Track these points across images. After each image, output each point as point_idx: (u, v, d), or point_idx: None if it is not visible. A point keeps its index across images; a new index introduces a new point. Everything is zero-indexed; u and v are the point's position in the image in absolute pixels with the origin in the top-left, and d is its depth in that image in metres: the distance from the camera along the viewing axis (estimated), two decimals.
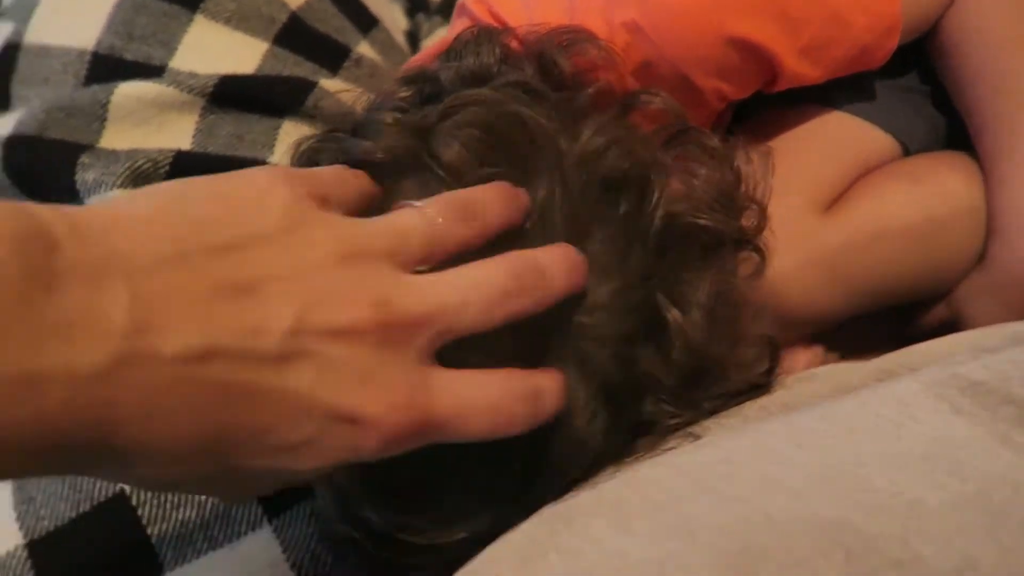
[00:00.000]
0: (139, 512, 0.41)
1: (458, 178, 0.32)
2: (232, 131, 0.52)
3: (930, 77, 0.47)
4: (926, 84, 0.47)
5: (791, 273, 0.42)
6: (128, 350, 0.22)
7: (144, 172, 0.48)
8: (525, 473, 0.32)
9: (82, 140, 0.50)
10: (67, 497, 0.42)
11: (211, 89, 0.52)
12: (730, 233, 0.37)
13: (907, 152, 0.46)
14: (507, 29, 0.41)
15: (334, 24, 0.61)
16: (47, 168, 0.48)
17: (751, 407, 0.37)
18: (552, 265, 0.29)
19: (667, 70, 0.41)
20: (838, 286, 0.43)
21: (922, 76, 0.47)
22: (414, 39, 0.82)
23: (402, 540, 0.35)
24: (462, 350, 0.27)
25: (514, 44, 0.40)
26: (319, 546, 0.41)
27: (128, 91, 0.50)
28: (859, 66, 0.43)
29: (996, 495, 0.21)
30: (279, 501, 0.42)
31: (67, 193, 0.48)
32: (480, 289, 0.27)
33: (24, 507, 0.42)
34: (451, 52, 0.40)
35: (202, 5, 0.55)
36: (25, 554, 0.41)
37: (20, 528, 0.41)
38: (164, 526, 0.41)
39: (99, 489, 0.42)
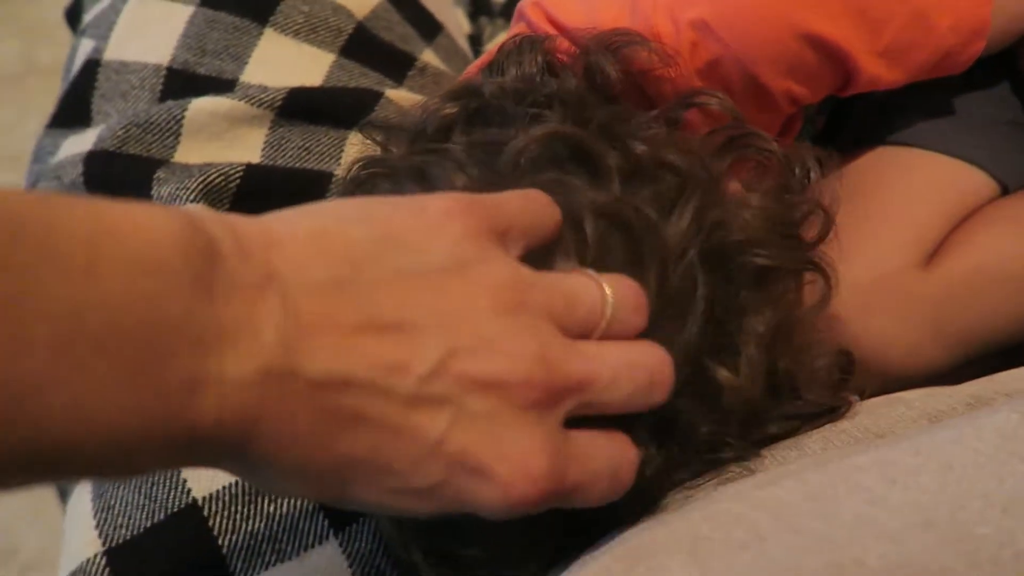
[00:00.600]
0: (210, 523, 0.42)
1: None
2: (300, 144, 0.53)
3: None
4: (1016, 112, 0.44)
5: (895, 333, 0.41)
6: (274, 366, 0.22)
7: (216, 186, 0.49)
8: (581, 518, 0.32)
9: (157, 155, 0.51)
10: (143, 506, 0.43)
11: (280, 103, 0.52)
12: (789, 263, 0.35)
13: (1006, 190, 0.43)
14: (551, 36, 0.40)
15: (399, 32, 0.61)
16: (125, 183, 0.50)
17: (831, 431, 0.35)
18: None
19: (735, 70, 0.39)
20: (943, 341, 0.41)
21: (1010, 104, 0.44)
22: (477, 42, 0.81)
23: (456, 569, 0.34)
24: None
25: (562, 50, 0.39)
26: (383, 561, 0.41)
27: (201, 106, 0.51)
28: (941, 71, 0.41)
29: None
30: (344, 516, 0.42)
31: None
32: (632, 371, 0.27)
33: (103, 515, 0.43)
34: (494, 64, 0.40)
35: (271, 19, 0.56)
36: (104, 561, 0.42)
37: (100, 536, 0.43)
38: (234, 537, 0.42)
39: (172, 499, 0.43)
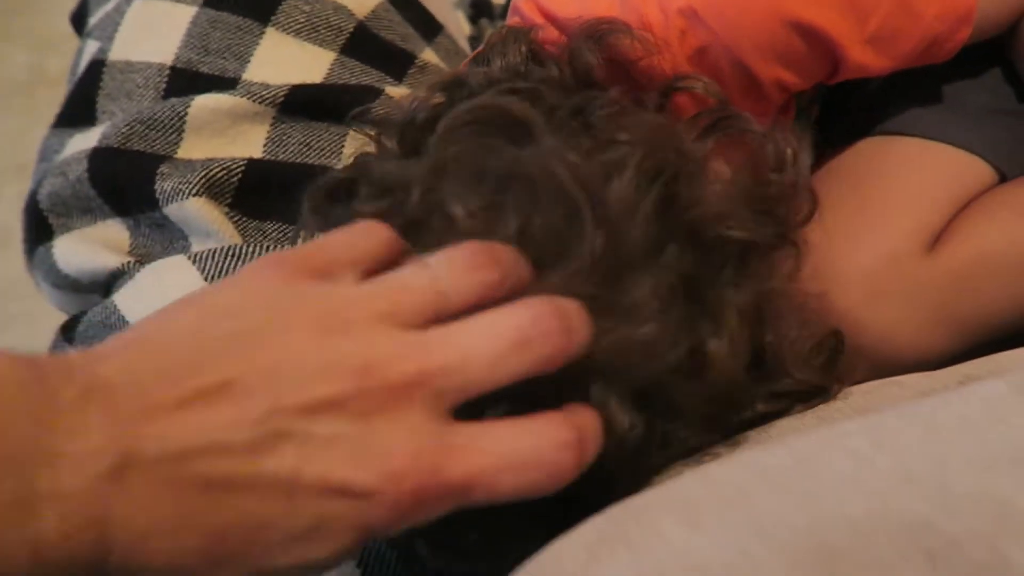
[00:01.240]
0: None
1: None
2: (301, 140, 0.54)
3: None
4: (1013, 102, 0.44)
5: (900, 320, 0.40)
6: (110, 466, 0.22)
7: (218, 179, 0.50)
8: (572, 494, 0.32)
9: (161, 151, 0.52)
10: None
11: (281, 99, 0.53)
12: (767, 239, 0.36)
13: (1004, 178, 0.43)
14: (537, 27, 0.41)
15: (399, 32, 0.62)
16: (129, 179, 0.51)
17: (826, 409, 0.36)
18: (578, 312, 0.27)
19: (724, 57, 0.40)
20: (947, 327, 0.41)
21: (1009, 93, 0.44)
22: (478, 44, 0.82)
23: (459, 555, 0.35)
24: (478, 402, 0.26)
25: (549, 41, 0.40)
26: (386, 549, 0.42)
27: (204, 103, 0.52)
28: (928, 58, 0.41)
29: None
30: None
31: (148, 202, 0.50)
32: (488, 341, 0.25)
33: None
34: (481, 56, 0.40)
35: (273, 18, 0.57)
36: None
37: None
38: None
39: None
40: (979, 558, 0.18)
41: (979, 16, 0.40)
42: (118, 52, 0.56)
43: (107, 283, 0.52)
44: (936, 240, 0.42)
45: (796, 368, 0.35)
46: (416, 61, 0.61)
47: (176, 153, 0.52)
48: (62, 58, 1.43)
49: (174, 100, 0.53)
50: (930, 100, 0.44)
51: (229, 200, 0.51)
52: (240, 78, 0.55)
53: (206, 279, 0.47)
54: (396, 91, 0.57)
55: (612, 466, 0.32)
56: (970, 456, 0.22)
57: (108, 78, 0.56)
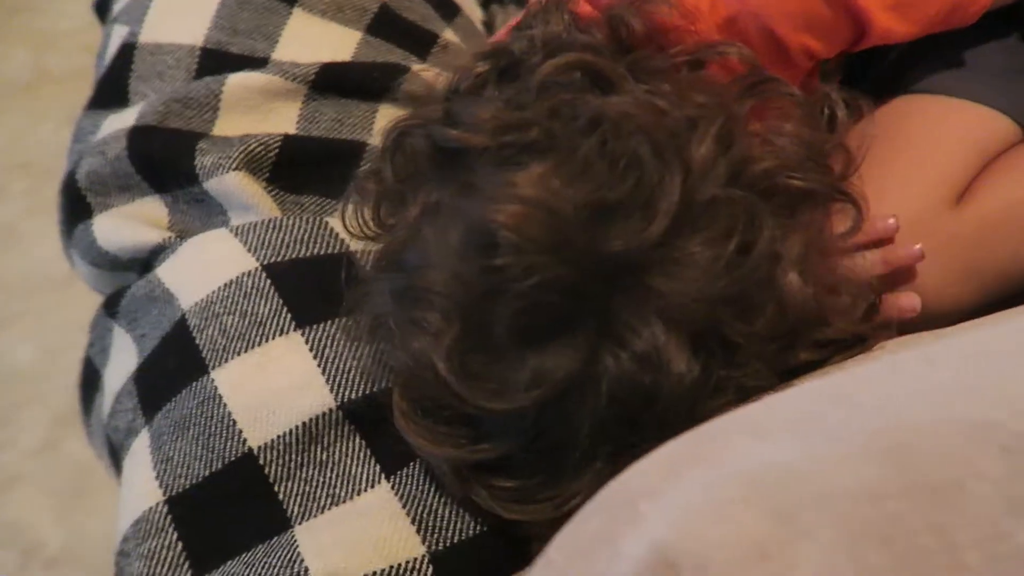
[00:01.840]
0: (266, 471, 0.44)
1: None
2: (333, 115, 0.55)
3: None
4: None
5: (927, 269, 0.41)
6: None
7: (256, 155, 0.51)
8: (635, 431, 0.34)
9: (197, 128, 0.53)
10: (201, 456, 0.45)
11: (313, 77, 0.55)
12: (820, 188, 0.37)
13: None
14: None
15: (420, 12, 0.64)
16: (168, 155, 0.52)
17: (865, 358, 0.37)
18: None
19: (752, 25, 0.41)
20: (973, 278, 0.42)
21: None
22: (489, 29, 0.84)
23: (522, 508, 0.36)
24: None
25: (583, 13, 0.42)
26: (436, 500, 0.43)
27: (238, 81, 0.53)
28: (952, 22, 0.43)
29: None
30: (395, 460, 0.44)
31: (187, 178, 0.51)
32: None
33: (163, 466, 0.45)
34: (523, 24, 0.42)
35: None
36: (165, 509, 0.44)
37: (160, 486, 0.45)
38: (290, 484, 0.44)
39: (229, 449, 0.44)
40: None
41: None
42: (148, 35, 0.58)
43: (146, 259, 0.53)
44: (963, 194, 0.43)
45: (836, 318, 0.37)
46: (439, 40, 0.63)
47: (212, 130, 0.53)
48: (63, 56, 1.43)
49: (208, 79, 0.54)
50: (951, 61, 0.45)
51: (267, 175, 0.52)
52: (269, 58, 0.57)
53: (248, 250, 0.48)
54: (421, 68, 0.58)
55: (669, 406, 0.33)
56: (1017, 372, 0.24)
57: (139, 60, 0.57)
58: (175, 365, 0.47)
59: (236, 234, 0.49)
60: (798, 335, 0.36)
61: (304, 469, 0.44)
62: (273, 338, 0.46)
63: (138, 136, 0.52)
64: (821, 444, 0.22)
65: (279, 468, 0.44)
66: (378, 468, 0.44)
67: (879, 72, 0.49)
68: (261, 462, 0.44)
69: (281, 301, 0.46)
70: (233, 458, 0.44)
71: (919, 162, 0.43)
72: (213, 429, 0.45)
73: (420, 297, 0.37)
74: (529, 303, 0.34)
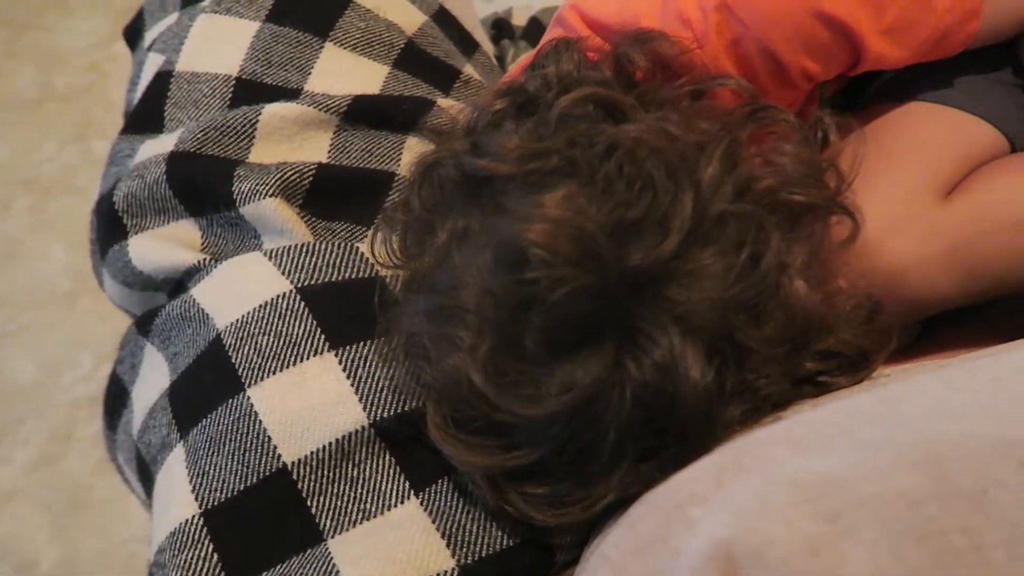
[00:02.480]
0: (299, 486, 0.46)
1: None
2: (363, 146, 0.57)
3: None
4: (1019, 76, 0.48)
5: (913, 258, 0.44)
6: None
7: (292, 182, 0.54)
8: (657, 434, 0.36)
9: (234, 155, 0.55)
10: (236, 471, 0.46)
11: (345, 108, 0.57)
12: (819, 202, 0.40)
13: (1013, 148, 0.48)
14: (583, 38, 0.46)
15: (443, 48, 0.67)
16: (207, 180, 0.54)
17: (874, 383, 0.40)
18: None
19: (755, 48, 0.44)
20: (956, 272, 0.44)
21: (1015, 69, 0.48)
22: (501, 63, 0.87)
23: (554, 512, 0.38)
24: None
25: (593, 49, 0.45)
26: (464, 516, 0.45)
27: (274, 111, 0.56)
28: (940, 50, 0.46)
29: None
30: (424, 476, 0.46)
31: (224, 202, 0.53)
32: None
33: (198, 480, 0.47)
34: (535, 64, 0.45)
35: (331, 34, 0.61)
36: (201, 522, 0.45)
37: (196, 499, 0.46)
38: (322, 499, 0.46)
39: (264, 464, 0.46)
40: None
41: (988, 24, 0.45)
42: (185, 64, 0.60)
43: (180, 279, 0.55)
44: (950, 191, 0.45)
45: (839, 325, 0.40)
46: (461, 76, 0.66)
47: (248, 157, 0.55)
48: (70, 74, 1.45)
49: (245, 108, 0.56)
50: (940, 72, 0.48)
51: (300, 201, 0.54)
52: (302, 89, 0.59)
53: (282, 273, 0.51)
54: (445, 103, 0.61)
55: (687, 410, 0.36)
56: None
57: (176, 88, 0.59)
58: (211, 383, 0.49)
59: (271, 257, 0.51)
60: (805, 340, 0.38)
61: (336, 484, 0.46)
62: (308, 358, 0.47)
63: (177, 161, 0.55)
64: (857, 455, 0.24)
65: (312, 483, 0.46)
66: (407, 484, 0.46)
67: (874, 89, 0.52)
68: (295, 477, 0.46)
69: (315, 322, 0.48)
70: (268, 473, 0.46)
71: (910, 161, 0.45)
72: (248, 445, 0.46)
73: (453, 315, 0.39)
74: (559, 313, 0.36)
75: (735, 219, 0.37)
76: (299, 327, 0.48)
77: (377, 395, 0.47)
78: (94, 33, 1.45)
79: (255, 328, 0.48)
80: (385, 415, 0.46)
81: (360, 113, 0.57)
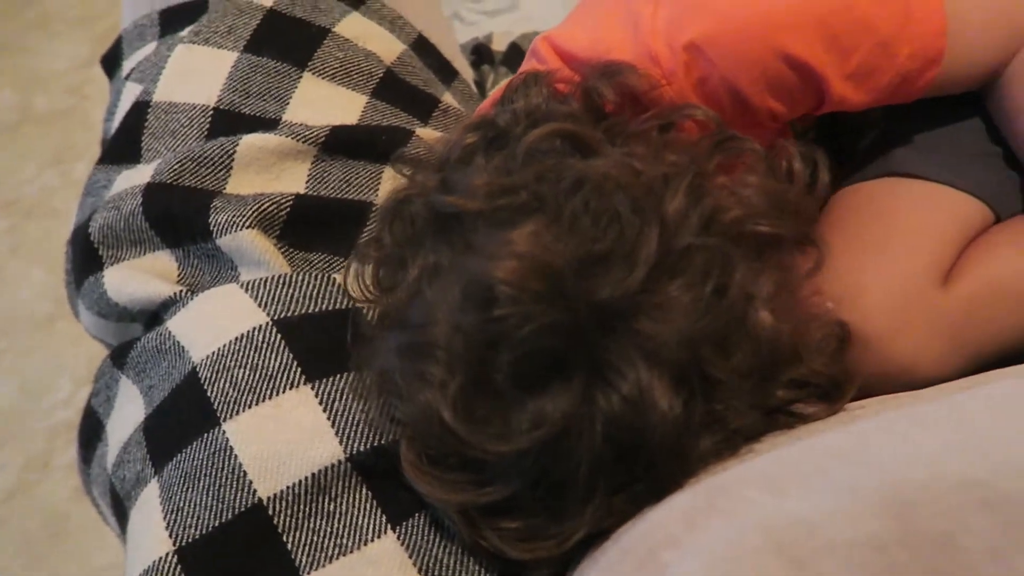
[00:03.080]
0: (275, 521, 0.45)
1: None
2: (341, 176, 0.57)
3: (1000, 137, 0.49)
4: (998, 146, 0.49)
5: (923, 348, 0.44)
6: None
7: (268, 213, 0.53)
8: (629, 468, 0.36)
9: (211, 186, 0.55)
10: (211, 507, 0.46)
11: (323, 139, 0.57)
12: (785, 233, 0.41)
13: (998, 218, 0.48)
14: (552, 71, 0.47)
15: (422, 77, 0.67)
16: (183, 212, 0.54)
17: (850, 415, 0.40)
18: None
19: (722, 87, 0.45)
20: (965, 351, 0.45)
21: (993, 137, 0.49)
22: (481, 89, 0.88)
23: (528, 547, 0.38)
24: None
25: (563, 80, 0.45)
26: (441, 551, 0.45)
27: (251, 142, 0.56)
28: (901, 95, 0.46)
29: None
30: (400, 511, 0.46)
31: (201, 234, 0.53)
32: None
33: (173, 516, 0.46)
34: (505, 98, 0.46)
35: (310, 63, 0.61)
36: (175, 559, 0.45)
37: (170, 536, 0.45)
38: (298, 534, 0.45)
39: (239, 500, 0.46)
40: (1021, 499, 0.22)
41: (948, 73, 0.46)
42: (163, 94, 0.60)
43: (155, 311, 0.54)
44: (948, 274, 0.46)
45: (808, 355, 0.40)
46: (439, 104, 0.66)
47: (225, 188, 0.55)
48: (49, 96, 1.45)
49: (223, 139, 0.56)
50: (930, 145, 0.49)
51: (277, 232, 0.54)
52: (280, 119, 0.59)
53: (259, 305, 0.50)
54: (425, 132, 0.61)
55: (657, 443, 0.36)
56: (1001, 432, 0.27)
57: (153, 118, 0.59)
58: (186, 417, 0.48)
59: (247, 289, 0.51)
60: (774, 371, 0.39)
61: (312, 519, 0.46)
62: (284, 391, 0.47)
63: (154, 192, 0.54)
64: (829, 498, 0.24)
65: (288, 518, 0.45)
66: (384, 519, 0.45)
67: (865, 147, 0.53)
68: (270, 512, 0.45)
69: (291, 355, 0.48)
70: (243, 508, 0.45)
71: (907, 246, 0.46)
72: (224, 480, 0.46)
73: (424, 352, 0.39)
74: (527, 350, 0.36)
75: (701, 251, 0.37)
76: (275, 360, 0.48)
77: (354, 428, 0.46)
78: (75, 56, 1.45)
79: (231, 361, 0.48)
80: (362, 448, 0.46)
81: (338, 143, 0.58)
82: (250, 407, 0.47)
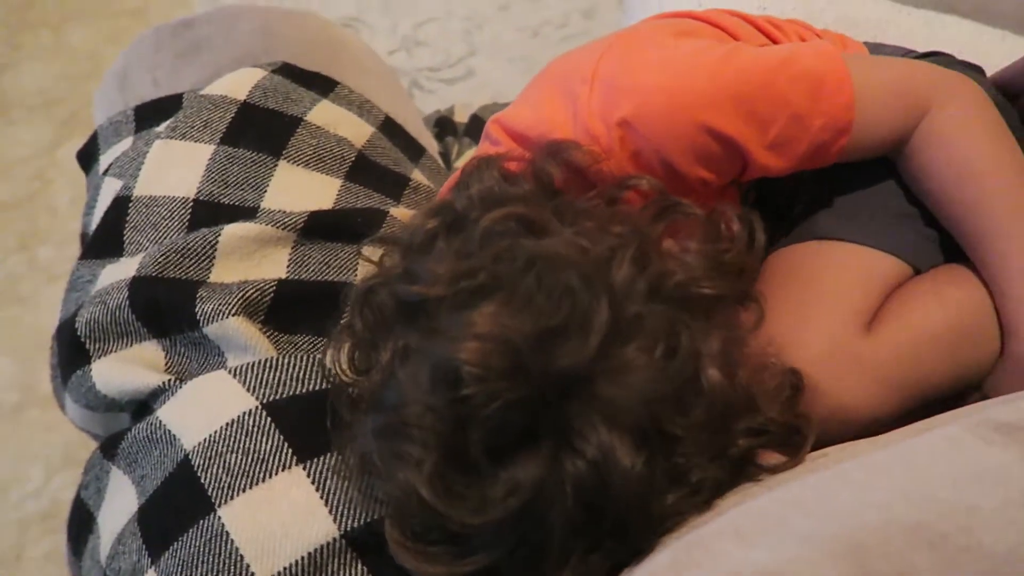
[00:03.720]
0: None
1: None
2: (320, 259, 0.60)
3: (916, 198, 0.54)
4: (915, 206, 0.53)
5: (856, 395, 0.47)
6: None
7: (253, 299, 0.55)
8: (601, 526, 0.38)
9: (195, 276, 0.57)
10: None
11: (302, 224, 0.60)
12: (727, 292, 0.44)
13: (917, 271, 0.52)
14: (503, 154, 0.50)
15: (392, 157, 0.70)
16: (169, 303, 0.55)
17: (814, 463, 0.43)
18: None
19: (655, 159, 0.49)
20: (894, 395, 0.48)
21: (910, 199, 0.54)
22: (446, 159, 0.91)
23: None
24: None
25: (515, 158, 0.49)
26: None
27: (233, 231, 0.58)
28: (818, 161, 0.51)
29: None
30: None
31: (188, 323, 0.55)
32: None
33: None
34: (460, 183, 0.49)
35: (284, 152, 0.64)
36: None
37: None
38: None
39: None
40: (963, 544, 0.25)
41: (858, 141, 0.50)
42: (143, 188, 0.62)
43: (144, 401, 0.56)
44: (871, 323, 0.49)
45: (765, 403, 0.43)
46: (410, 183, 0.69)
47: (209, 277, 0.57)
48: (13, 183, 1.45)
49: (204, 230, 0.58)
50: (851, 211, 0.53)
51: (262, 317, 0.56)
52: (259, 207, 0.62)
53: (247, 390, 0.52)
54: (398, 211, 0.64)
55: (624, 502, 0.38)
56: (944, 476, 0.30)
57: (134, 212, 0.61)
58: (180, 504, 0.49)
59: (235, 375, 0.53)
60: (729, 422, 0.41)
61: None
62: (276, 473, 0.49)
63: (139, 285, 0.56)
64: (791, 547, 0.27)
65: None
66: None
67: (798, 211, 0.57)
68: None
69: (282, 437, 0.50)
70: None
71: (832, 303, 0.50)
72: (221, 565, 0.47)
73: (400, 432, 0.41)
74: (496, 424, 0.38)
75: (649, 317, 0.40)
76: (266, 443, 0.50)
77: (346, 506, 0.48)
78: (36, 142, 1.46)
79: (223, 447, 0.50)
80: (355, 525, 0.47)
81: (317, 228, 0.60)
82: (244, 491, 0.48)
